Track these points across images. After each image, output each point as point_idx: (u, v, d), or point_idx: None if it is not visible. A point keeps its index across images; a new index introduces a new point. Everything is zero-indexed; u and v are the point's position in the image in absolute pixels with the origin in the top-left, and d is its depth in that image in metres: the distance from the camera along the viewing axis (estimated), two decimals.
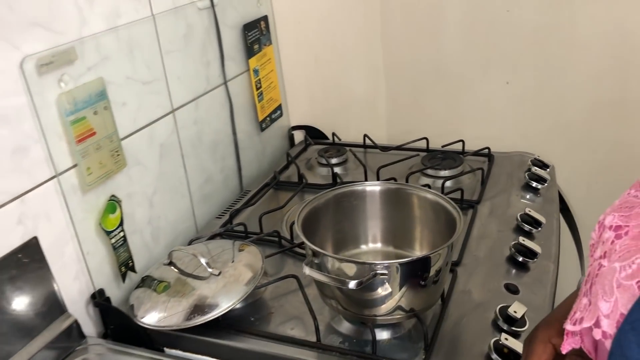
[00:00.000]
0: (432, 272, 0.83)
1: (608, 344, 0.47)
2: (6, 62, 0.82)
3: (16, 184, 0.86)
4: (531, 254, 1.04)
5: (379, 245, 1.01)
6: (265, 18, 1.48)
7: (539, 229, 1.13)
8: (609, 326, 0.48)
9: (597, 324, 0.49)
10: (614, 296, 0.48)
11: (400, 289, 0.82)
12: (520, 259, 1.03)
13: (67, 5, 0.91)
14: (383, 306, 0.84)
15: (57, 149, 0.91)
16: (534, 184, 1.29)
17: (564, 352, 0.56)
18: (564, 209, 1.36)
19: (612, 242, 0.54)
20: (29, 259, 0.88)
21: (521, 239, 1.06)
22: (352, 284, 0.77)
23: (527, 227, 1.12)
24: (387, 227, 1.00)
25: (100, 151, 0.97)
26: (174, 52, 1.17)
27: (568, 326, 0.54)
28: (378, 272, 0.78)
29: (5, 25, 0.82)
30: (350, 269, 0.81)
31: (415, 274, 0.82)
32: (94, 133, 0.96)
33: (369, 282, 0.78)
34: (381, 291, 0.82)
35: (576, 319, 0.53)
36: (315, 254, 0.84)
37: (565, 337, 0.56)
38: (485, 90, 1.58)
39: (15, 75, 0.84)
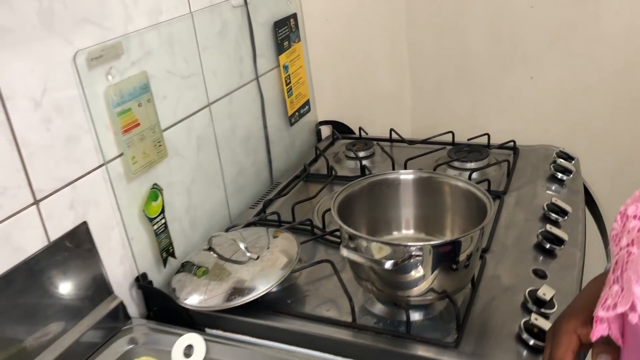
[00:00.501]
0: (464, 255, 0.86)
1: None
2: (61, 56, 0.88)
3: (68, 171, 0.91)
4: (558, 241, 1.06)
5: (411, 232, 1.04)
6: (294, 15, 1.53)
7: (565, 218, 1.16)
8: None
9: (632, 308, 0.51)
10: None
11: (433, 271, 0.86)
12: (548, 245, 1.06)
13: (114, 3, 0.97)
14: (416, 288, 0.87)
15: (105, 138, 0.96)
16: (560, 176, 1.31)
17: (593, 339, 0.59)
18: (589, 201, 1.38)
19: (639, 229, 0.56)
20: (79, 243, 0.93)
21: (548, 227, 1.09)
22: (388, 264, 0.80)
23: (553, 216, 1.15)
24: (419, 215, 1.03)
25: (144, 141, 1.02)
26: (210, 48, 1.21)
27: (600, 312, 0.56)
28: (413, 253, 0.81)
29: (61, 22, 0.87)
30: (385, 251, 0.84)
31: (447, 256, 0.85)
32: (139, 124, 1.01)
33: (404, 263, 0.82)
34: (415, 273, 0.86)
35: (608, 305, 0.55)
36: (351, 237, 0.88)
37: (594, 324, 0.58)
38: (509, 85, 1.60)
39: (68, 68, 0.89)
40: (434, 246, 0.83)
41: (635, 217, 0.57)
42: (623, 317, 0.55)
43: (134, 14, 1.01)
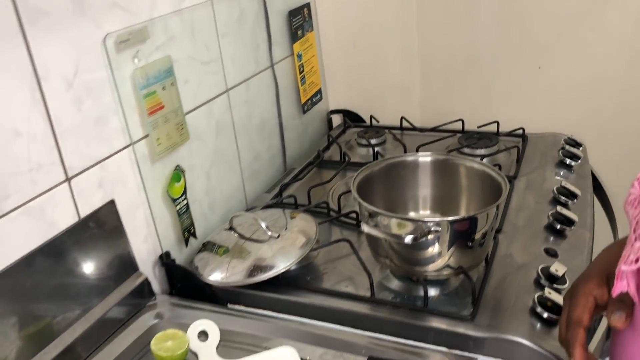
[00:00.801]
0: (479, 233, 0.90)
1: None
2: (91, 39, 0.91)
3: (98, 150, 0.94)
4: (568, 222, 1.10)
5: (427, 212, 1.08)
6: (308, 5, 1.56)
7: (575, 201, 1.19)
8: None
9: None
10: None
11: (449, 247, 0.89)
12: (558, 226, 1.09)
13: None
14: (433, 264, 0.91)
15: (131, 120, 0.99)
16: (568, 161, 1.35)
17: (614, 295, 0.63)
18: (597, 187, 1.41)
19: None
20: (107, 220, 0.96)
21: (559, 208, 1.12)
22: (407, 239, 0.84)
23: (563, 199, 1.18)
24: (435, 195, 1.07)
25: (167, 124, 1.06)
26: (228, 35, 1.24)
27: (623, 267, 0.60)
28: (432, 228, 0.85)
29: (91, 6, 0.90)
30: (404, 227, 0.88)
31: (464, 233, 0.89)
32: (163, 107, 1.04)
33: (423, 238, 0.85)
34: (432, 249, 0.89)
35: (631, 260, 0.59)
36: (371, 214, 0.91)
37: (616, 280, 0.62)
38: (517, 74, 1.64)
39: (97, 51, 0.92)
40: (451, 222, 0.87)
41: None
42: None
43: (158, 0, 1.04)
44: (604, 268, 0.69)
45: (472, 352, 0.87)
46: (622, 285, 0.61)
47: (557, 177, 1.31)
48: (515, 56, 1.63)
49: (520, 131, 1.50)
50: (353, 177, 0.99)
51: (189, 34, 1.12)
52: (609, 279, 0.69)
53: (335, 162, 1.47)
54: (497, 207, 0.91)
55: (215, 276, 1.03)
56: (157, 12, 1.04)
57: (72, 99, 0.88)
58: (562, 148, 1.40)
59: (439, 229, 0.86)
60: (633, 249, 0.60)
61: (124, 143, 0.99)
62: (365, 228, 0.88)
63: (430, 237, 0.86)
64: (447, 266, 0.92)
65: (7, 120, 0.79)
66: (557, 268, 0.94)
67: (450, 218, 0.87)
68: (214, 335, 0.93)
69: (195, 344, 0.91)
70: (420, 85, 1.72)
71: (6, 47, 0.78)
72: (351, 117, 1.74)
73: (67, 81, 0.87)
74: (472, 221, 0.88)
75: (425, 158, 1.05)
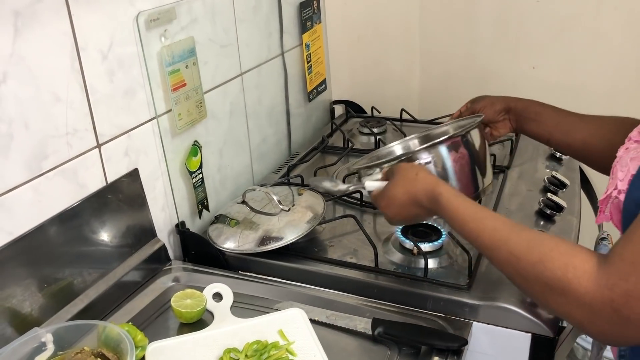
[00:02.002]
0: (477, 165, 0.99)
1: (621, 196, 0.70)
2: (125, 16, 0.97)
3: (125, 120, 1.01)
4: (558, 207, 1.18)
5: None
6: None
7: (564, 190, 1.27)
8: (622, 184, 0.71)
9: (615, 188, 0.72)
10: (628, 166, 0.71)
11: None
12: (548, 212, 1.17)
13: None
14: None
15: (157, 94, 1.06)
16: (558, 155, 1.43)
17: (597, 223, 0.82)
18: (584, 181, 1.50)
19: (634, 147, 0.76)
20: (131, 187, 1.03)
21: (549, 195, 1.21)
22: None
23: (553, 188, 1.26)
24: None
25: (188, 101, 1.12)
26: (245, 22, 1.31)
27: (601, 197, 0.77)
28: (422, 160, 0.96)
29: None
30: None
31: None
32: (185, 84, 1.11)
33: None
34: None
35: (604, 191, 0.77)
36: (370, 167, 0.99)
37: (599, 213, 0.78)
38: (513, 73, 1.72)
39: (130, 27, 0.99)
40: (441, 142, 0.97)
41: (631, 138, 0.79)
42: (613, 206, 0.75)
43: None
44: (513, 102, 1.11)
45: (468, 319, 0.95)
46: (603, 217, 0.76)
47: (547, 170, 1.39)
48: (511, 55, 1.71)
49: None
50: (359, 159, 1.07)
51: (210, 18, 1.19)
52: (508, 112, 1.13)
53: (339, 148, 1.54)
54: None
55: (229, 244, 1.10)
56: None
57: (105, 70, 0.95)
58: None
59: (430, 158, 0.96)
60: (608, 186, 0.76)
61: (148, 116, 1.05)
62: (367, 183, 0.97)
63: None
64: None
65: (50, 86, 0.86)
66: None
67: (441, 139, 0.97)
68: (228, 297, 1.00)
69: (211, 304, 0.98)
70: (420, 79, 1.80)
71: (53, 18, 0.84)
72: (353, 108, 1.81)
73: (102, 53, 0.94)
74: (464, 142, 0.98)
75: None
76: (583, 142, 1.01)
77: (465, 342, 0.86)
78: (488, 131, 1.13)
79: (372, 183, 0.96)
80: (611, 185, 0.75)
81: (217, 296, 1.00)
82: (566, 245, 0.70)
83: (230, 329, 0.92)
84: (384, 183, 0.94)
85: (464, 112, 1.18)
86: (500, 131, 1.13)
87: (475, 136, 0.99)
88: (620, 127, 0.89)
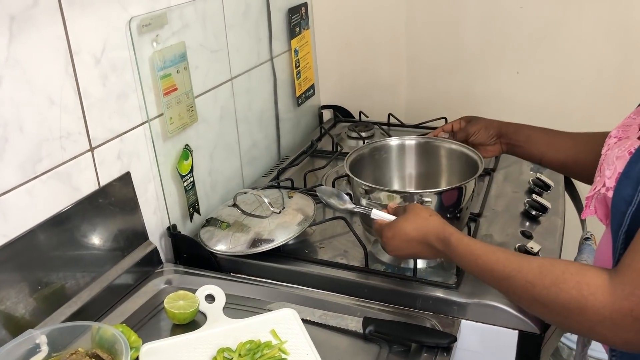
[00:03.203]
0: (463, 203, 1.00)
1: (609, 193, 0.75)
2: (119, 21, 0.99)
3: (118, 124, 1.02)
4: (542, 208, 1.21)
5: (412, 189, 1.19)
6: (305, 4, 1.65)
7: (548, 191, 1.30)
8: (609, 182, 0.75)
9: (603, 185, 0.76)
10: (614, 164, 0.74)
11: None
12: (533, 212, 1.20)
13: None
14: None
15: (148, 98, 1.07)
16: None
17: (583, 217, 0.86)
18: (568, 183, 1.53)
19: (615, 143, 0.80)
20: (123, 190, 1.04)
21: (534, 196, 1.24)
22: None
23: (537, 189, 1.29)
24: (418, 174, 1.19)
25: (179, 105, 1.14)
26: (235, 27, 1.33)
27: (588, 194, 0.81)
28: (424, 199, 0.95)
29: None
30: (397, 199, 0.98)
31: (448, 204, 0.99)
32: (176, 89, 1.12)
33: None
34: None
35: (592, 189, 0.82)
36: (367, 190, 1.01)
37: (585, 208, 0.82)
38: (497, 79, 1.75)
39: (122, 32, 1.00)
40: (439, 192, 0.98)
41: (614, 137, 0.83)
42: (606, 200, 0.77)
43: None
44: (505, 127, 1.15)
45: (456, 316, 0.97)
46: (588, 211, 0.80)
47: (532, 172, 1.42)
48: (496, 61, 1.74)
49: None
50: (345, 158, 1.09)
51: (201, 23, 1.20)
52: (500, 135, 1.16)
53: (328, 152, 1.56)
54: (475, 181, 1.02)
55: (220, 247, 1.11)
56: (174, 0, 1.12)
57: (98, 74, 0.96)
58: None
59: (430, 199, 0.96)
60: (595, 184, 0.80)
61: (140, 120, 1.07)
62: (364, 202, 0.97)
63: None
64: None
65: (44, 89, 0.87)
66: (533, 246, 1.05)
67: (439, 189, 0.98)
68: (220, 298, 1.01)
69: (204, 305, 0.99)
70: (407, 84, 1.83)
71: (48, 22, 0.85)
72: (341, 113, 1.84)
73: (96, 58, 0.95)
74: (455, 192, 1.00)
75: (409, 141, 1.17)
76: (574, 159, 1.08)
77: (455, 339, 0.88)
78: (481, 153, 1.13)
79: (380, 213, 0.97)
80: (599, 183, 0.78)
81: (210, 298, 1.01)
82: (575, 266, 0.73)
83: (223, 330, 0.93)
84: (392, 217, 0.96)
85: (457, 132, 1.20)
86: (490, 153, 1.18)
87: (470, 185, 1.03)
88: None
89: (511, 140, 1.15)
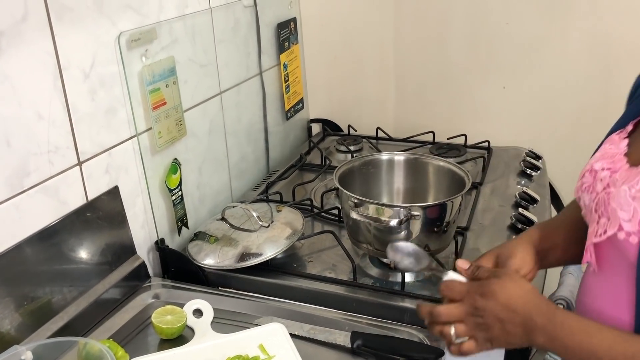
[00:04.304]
0: (445, 219, 1.01)
1: (632, 239, 0.66)
2: (107, 36, 0.99)
3: (106, 138, 1.02)
4: (529, 222, 1.22)
5: (400, 203, 1.19)
6: (294, 19, 1.67)
7: (534, 205, 1.32)
8: (632, 227, 0.67)
9: (620, 229, 0.68)
10: (632, 205, 0.67)
11: (420, 232, 1.00)
12: (520, 226, 1.21)
13: None
14: None
15: (137, 113, 1.07)
16: (529, 171, 1.48)
17: (583, 263, 0.76)
18: (554, 197, 1.55)
19: (611, 176, 0.74)
20: (111, 204, 1.04)
21: (521, 210, 1.25)
22: (393, 222, 0.94)
23: (524, 203, 1.30)
24: (406, 190, 1.20)
25: (168, 119, 1.14)
26: (224, 42, 1.34)
27: (594, 239, 0.73)
28: (413, 213, 0.95)
29: (108, 5, 0.99)
30: (386, 213, 0.98)
31: (433, 218, 1.00)
32: (165, 103, 1.13)
33: (405, 222, 0.96)
34: (406, 233, 1.00)
35: (599, 233, 0.72)
36: (356, 204, 1.01)
37: (585, 253, 0.75)
38: (484, 92, 1.77)
39: (111, 47, 1.01)
40: (425, 207, 0.99)
41: (603, 169, 0.76)
42: (600, 246, 0.73)
43: (166, 5, 1.13)
44: (533, 239, 0.89)
45: None
46: (587, 257, 0.75)
47: (519, 186, 1.44)
48: (482, 76, 1.76)
49: (486, 144, 1.63)
50: (335, 171, 1.10)
51: (190, 38, 1.21)
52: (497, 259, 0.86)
53: (316, 166, 1.57)
54: (462, 196, 1.02)
55: (208, 261, 1.11)
56: (163, 15, 1.12)
57: (87, 89, 0.96)
58: (524, 160, 1.54)
59: (419, 213, 0.96)
60: (599, 225, 0.73)
61: (129, 134, 1.07)
62: (354, 215, 0.98)
63: (412, 220, 0.97)
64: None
65: (32, 104, 0.87)
66: None
67: (426, 204, 0.99)
68: (208, 313, 1.01)
69: (191, 320, 0.99)
70: (395, 99, 1.84)
71: (37, 38, 0.86)
72: (330, 126, 1.85)
73: (85, 73, 0.95)
74: (442, 207, 1.00)
75: (398, 157, 1.18)
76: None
77: (442, 354, 0.89)
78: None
79: (457, 276, 0.83)
80: (610, 227, 0.69)
81: (198, 312, 1.01)
82: None
83: (211, 344, 0.93)
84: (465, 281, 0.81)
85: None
86: (531, 278, 0.88)
87: (456, 201, 1.03)
88: None
89: (540, 252, 0.89)
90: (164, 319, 0.96)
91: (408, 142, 1.69)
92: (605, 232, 0.70)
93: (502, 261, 0.85)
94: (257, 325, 0.98)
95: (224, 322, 1.00)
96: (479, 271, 0.80)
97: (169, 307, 0.99)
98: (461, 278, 0.82)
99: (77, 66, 0.94)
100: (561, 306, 0.99)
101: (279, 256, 1.12)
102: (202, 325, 0.98)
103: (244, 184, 1.50)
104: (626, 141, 0.78)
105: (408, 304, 1.00)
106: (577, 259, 0.82)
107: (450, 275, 0.82)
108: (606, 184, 0.74)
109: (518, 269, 0.84)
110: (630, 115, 0.81)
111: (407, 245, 0.90)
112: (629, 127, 0.80)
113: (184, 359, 0.90)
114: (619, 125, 0.82)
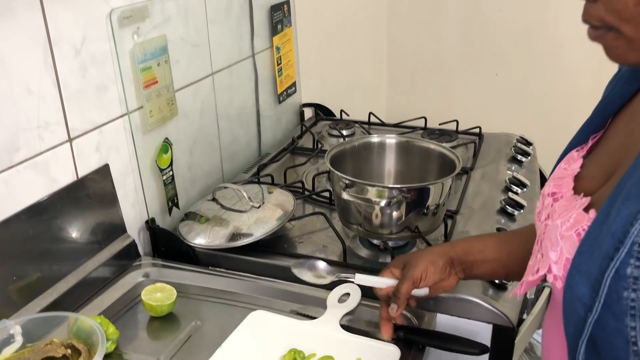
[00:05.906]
0: (434, 202, 1.02)
1: (558, 284, 0.59)
2: (99, 12, 0.99)
3: (97, 116, 1.01)
4: (518, 206, 1.23)
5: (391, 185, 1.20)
6: (287, 2, 1.66)
7: (524, 189, 1.33)
8: (557, 270, 0.59)
9: (549, 270, 0.60)
10: (559, 245, 0.59)
11: (409, 213, 1.01)
12: (509, 210, 1.22)
13: None
14: (396, 226, 1.02)
15: (128, 91, 1.07)
16: (519, 157, 1.49)
17: (519, 298, 0.74)
18: (544, 183, 1.56)
19: (552, 205, 0.66)
20: (101, 182, 1.04)
21: (510, 194, 1.26)
22: (382, 203, 0.95)
23: (514, 187, 1.31)
24: (397, 172, 1.20)
25: (160, 98, 1.14)
26: (216, 22, 1.33)
27: (530, 277, 0.66)
28: (403, 195, 0.96)
29: None
30: (377, 193, 0.99)
31: (425, 199, 1.01)
32: (157, 82, 1.12)
33: (395, 203, 0.96)
34: (396, 214, 1.00)
35: (535, 270, 0.65)
36: (348, 185, 1.02)
37: (519, 287, 0.70)
38: (477, 79, 1.78)
39: (103, 24, 1.00)
40: (418, 188, 0.99)
41: (549, 195, 0.67)
42: (554, 289, 0.66)
43: None
44: (452, 251, 0.87)
45: (432, 311, 0.98)
46: (522, 291, 0.70)
47: (509, 172, 1.45)
48: (475, 63, 1.77)
49: (477, 130, 1.64)
50: (327, 153, 1.10)
51: (182, 17, 1.20)
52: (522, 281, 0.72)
53: (308, 149, 1.57)
54: (452, 179, 1.03)
55: (199, 240, 1.11)
56: None
57: (78, 65, 0.96)
58: (514, 146, 1.55)
59: (409, 195, 0.97)
60: (536, 260, 0.65)
61: (120, 112, 1.06)
62: (345, 195, 0.98)
63: (399, 202, 0.98)
64: (407, 228, 1.03)
65: (22, 79, 0.86)
66: None
67: (416, 185, 1.00)
68: (355, 298, 0.97)
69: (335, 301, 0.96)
70: (387, 84, 1.85)
71: (26, 11, 0.85)
72: (322, 111, 1.84)
73: (75, 49, 0.95)
74: (431, 189, 1.01)
75: (390, 140, 1.18)
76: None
77: (487, 349, 0.88)
78: (430, 293, 0.90)
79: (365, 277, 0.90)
80: (542, 265, 0.62)
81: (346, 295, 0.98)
82: None
83: (333, 336, 0.90)
84: (394, 281, 0.88)
85: (400, 288, 0.87)
86: (447, 287, 0.90)
87: (447, 183, 1.03)
88: None
89: (464, 264, 0.88)
90: (153, 296, 0.96)
91: (400, 128, 1.69)
92: (538, 270, 0.63)
93: (406, 270, 0.87)
94: (246, 304, 0.98)
95: (214, 301, 1.01)
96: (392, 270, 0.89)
97: (158, 284, 0.99)
98: (370, 278, 0.89)
99: (68, 42, 0.93)
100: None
101: (269, 237, 1.12)
102: (339, 310, 0.94)
103: (236, 166, 1.50)
104: (580, 162, 0.68)
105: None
106: (516, 277, 0.79)
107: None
108: (547, 215, 0.65)
109: (416, 280, 0.86)
110: (591, 125, 0.72)
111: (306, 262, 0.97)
112: (590, 143, 0.70)
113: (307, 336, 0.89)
114: (579, 139, 0.72)
